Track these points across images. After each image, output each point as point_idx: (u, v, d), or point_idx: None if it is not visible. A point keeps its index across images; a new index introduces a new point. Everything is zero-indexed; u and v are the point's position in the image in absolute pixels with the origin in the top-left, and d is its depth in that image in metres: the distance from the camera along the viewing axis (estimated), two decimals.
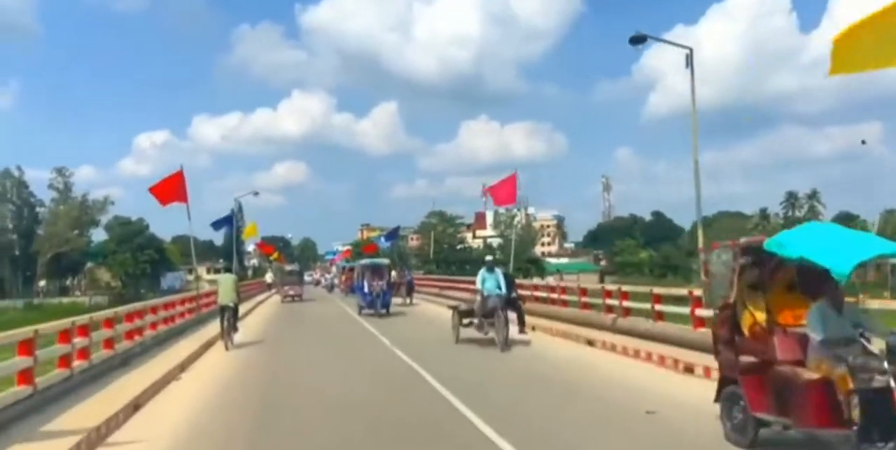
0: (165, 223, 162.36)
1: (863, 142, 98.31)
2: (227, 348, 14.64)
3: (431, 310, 25.42)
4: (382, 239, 50.46)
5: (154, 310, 14.43)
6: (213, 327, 16.45)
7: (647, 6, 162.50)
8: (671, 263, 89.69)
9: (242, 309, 25.40)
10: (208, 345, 14.82)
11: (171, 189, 17.16)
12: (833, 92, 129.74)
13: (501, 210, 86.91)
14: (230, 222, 34.42)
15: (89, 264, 79.71)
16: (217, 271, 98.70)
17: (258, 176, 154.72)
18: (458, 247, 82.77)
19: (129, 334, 12.69)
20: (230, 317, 14.70)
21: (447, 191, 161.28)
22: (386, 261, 27.38)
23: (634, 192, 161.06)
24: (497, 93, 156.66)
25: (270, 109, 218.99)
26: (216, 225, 33.38)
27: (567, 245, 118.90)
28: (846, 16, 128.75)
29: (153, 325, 14.13)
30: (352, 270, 34.81)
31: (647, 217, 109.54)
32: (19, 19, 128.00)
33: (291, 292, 34.53)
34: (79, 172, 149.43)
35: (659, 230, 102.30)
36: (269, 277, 49.13)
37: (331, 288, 47.14)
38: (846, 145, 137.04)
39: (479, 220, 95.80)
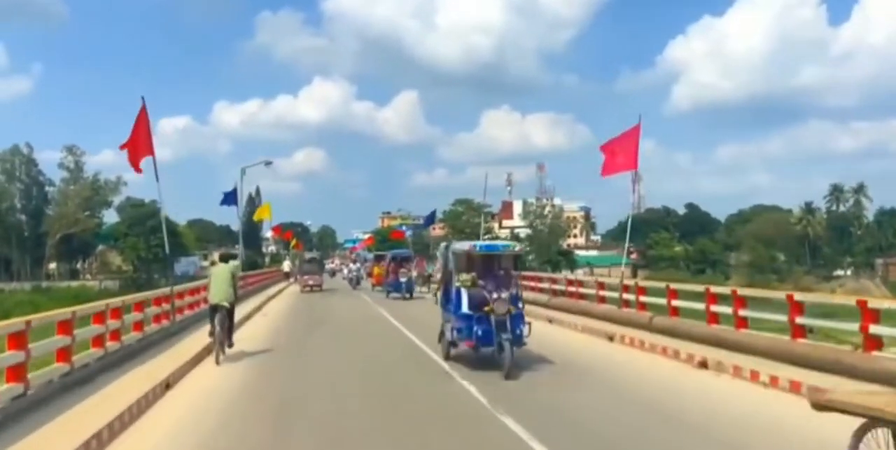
0: (180, 207, 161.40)
1: None
2: (217, 362, 11.13)
3: None
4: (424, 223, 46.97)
5: (116, 313, 10.71)
6: (201, 336, 12.67)
7: None
8: (708, 257, 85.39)
9: (251, 305, 22.25)
10: (195, 361, 11.20)
11: (138, 143, 13.25)
12: (862, 86, 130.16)
13: (531, 200, 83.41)
14: (234, 197, 31.25)
15: (100, 247, 77.02)
16: (230, 259, 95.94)
17: (278, 162, 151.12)
18: (486, 237, 78.85)
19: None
20: (224, 320, 11.11)
21: (468, 180, 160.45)
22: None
23: (658, 184, 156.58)
24: (519, 82, 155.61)
25: (291, 96, 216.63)
26: (226, 200, 29.67)
27: (594, 237, 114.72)
28: (877, 8, 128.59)
29: (114, 335, 10.45)
30: (382, 258, 33.24)
31: (680, 209, 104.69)
32: (46, 3, 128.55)
33: (311, 282, 32.74)
34: (100, 156, 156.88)
35: (693, 223, 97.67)
36: (286, 266, 45.76)
37: (356, 281, 38.02)
38: (873, 140, 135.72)
39: (506, 209, 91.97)
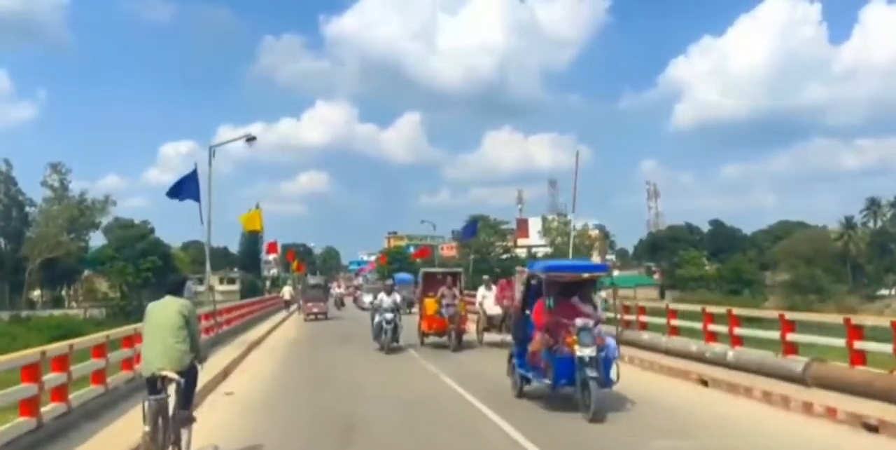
0: (175, 228, 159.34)
1: None
2: None
3: None
4: (462, 234, 39.98)
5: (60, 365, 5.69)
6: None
7: (674, 17, 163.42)
8: (742, 277, 79.61)
9: (227, 354, 15.29)
10: None
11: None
12: (864, 104, 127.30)
13: (551, 216, 77.78)
14: (192, 187, 16.16)
15: (86, 272, 70.88)
16: (231, 281, 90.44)
17: (282, 185, 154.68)
18: (504, 256, 73.18)
19: None
20: (164, 408, 5.91)
21: (472, 201, 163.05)
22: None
23: (665, 203, 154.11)
24: (521, 103, 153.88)
25: (294, 119, 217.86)
26: (178, 189, 16.15)
27: (609, 257, 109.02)
28: (877, 27, 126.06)
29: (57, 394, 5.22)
30: (434, 280, 20.73)
31: (703, 226, 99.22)
32: (49, 28, 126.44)
33: (315, 309, 30.14)
34: (104, 181, 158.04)
35: (719, 241, 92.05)
36: (286, 292, 38.18)
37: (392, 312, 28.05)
38: (877, 158, 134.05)
39: (521, 227, 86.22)
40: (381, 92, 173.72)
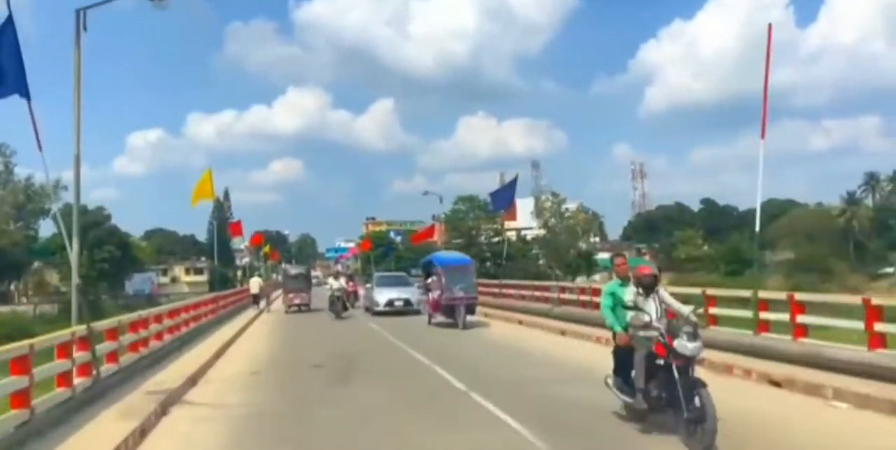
0: (137, 216, 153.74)
1: None
2: None
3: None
4: (495, 202, 27.18)
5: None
6: None
7: (645, 1, 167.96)
8: (742, 256, 75.77)
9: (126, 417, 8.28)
10: None
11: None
12: (830, 86, 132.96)
13: (545, 196, 72.79)
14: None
15: (36, 264, 64.03)
16: (198, 272, 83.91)
17: (254, 174, 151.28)
18: (495, 240, 68.11)
19: None
20: None
21: (447, 187, 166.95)
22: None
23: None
24: (494, 88, 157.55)
25: (265, 107, 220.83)
26: None
27: (592, 239, 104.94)
28: (843, 10, 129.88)
29: None
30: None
31: (693, 206, 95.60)
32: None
33: (297, 301, 28.33)
34: (70, 171, 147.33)
35: (712, 221, 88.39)
36: (255, 284, 30.99)
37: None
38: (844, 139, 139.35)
39: (508, 209, 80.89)
40: (353, 78, 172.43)
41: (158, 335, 12.94)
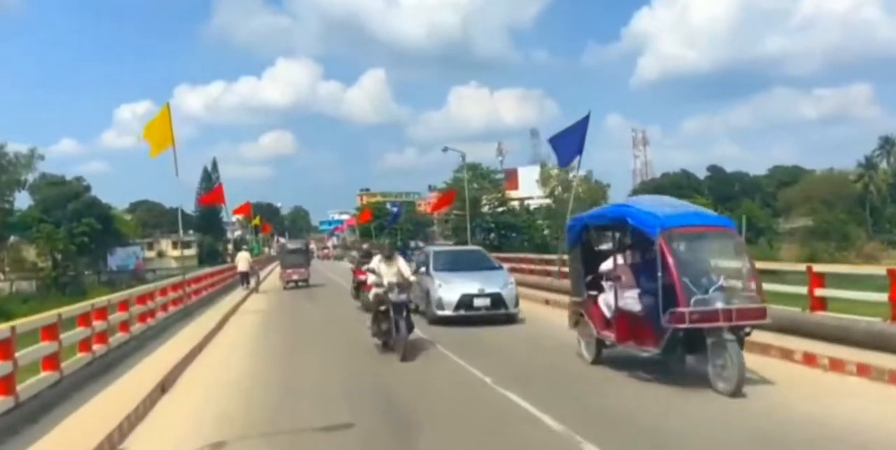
0: (120, 188, 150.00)
1: None
2: None
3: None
4: (561, 154, 17.09)
5: None
6: None
7: None
8: (754, 224, 72.82)
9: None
10: None
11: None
12: (821, 54, 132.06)
13: (550, 164, 69.07)
14: None
15: (12, 238, 59.96)
16: (186, 246, 79.77)
17: (244, 146, 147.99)
18: (500, 210, 64.72)
19: None
20: None
21: (439, 158, 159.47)
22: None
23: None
24: (486, 58, 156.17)
25: (255, 78, 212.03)
26: None
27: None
28: None
29: None
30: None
31: (700, 173, 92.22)
32: None
33: (295, 277, 26.54)
34: (59, 145, 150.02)
35: (720, 188, 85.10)
36: (242, 259, 25.25)
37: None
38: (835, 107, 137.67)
39: (510, 178, 77.43)
40: (344, 49, 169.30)
41: (49, 364, 6.83)
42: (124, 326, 9.80)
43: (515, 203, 71.41)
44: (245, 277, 24.57)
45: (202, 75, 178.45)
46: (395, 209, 69.59)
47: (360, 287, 15.49)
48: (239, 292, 23.29)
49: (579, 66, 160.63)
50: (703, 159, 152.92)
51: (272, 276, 35.40)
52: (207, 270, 23.76)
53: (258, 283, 25.24)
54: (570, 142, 15.48)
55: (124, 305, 10.03)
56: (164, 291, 13.63)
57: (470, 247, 21.14)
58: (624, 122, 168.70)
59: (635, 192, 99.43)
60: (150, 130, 14.50)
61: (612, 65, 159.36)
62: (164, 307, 13.33)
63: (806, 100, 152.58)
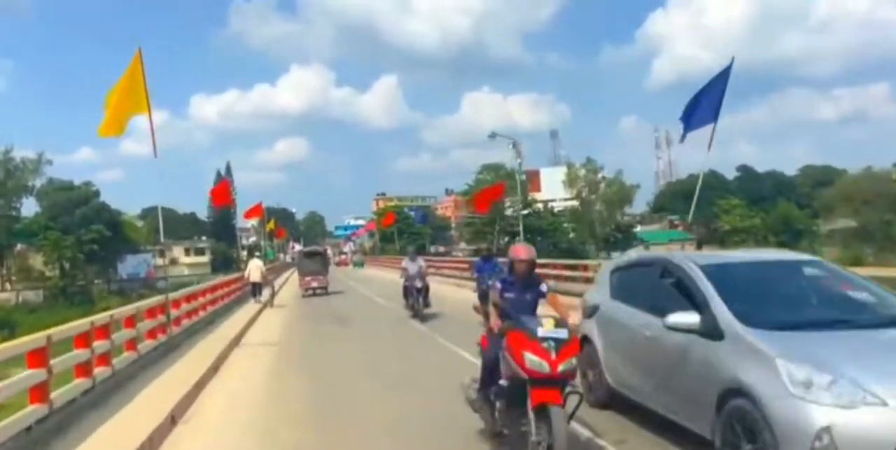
0: (133, 194, 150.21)
1: None
2: None
3: None
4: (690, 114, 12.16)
5: None
6: None
7: None
8: (793, 226, 69.55)
9: None
10: None
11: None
12: (840, 55, 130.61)
13: (577, 164, 66.12)
14: None
15: (19, 246, 57.76)
16: (199, 253, 77.36)
17: (260, 153, 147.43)
18: (526, 212, 61.77)
19: None
20: None
21: (452, 163, 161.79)
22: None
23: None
24: (499, 63, 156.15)
25: (269, 86, 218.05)
26: None
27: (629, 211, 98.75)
28: None
29: None
30: None
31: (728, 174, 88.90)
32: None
33: (315, 284, 26.20)
34: (78, 153, 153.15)
35: (750, 189, 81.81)
36: (255, 269, 21.97)
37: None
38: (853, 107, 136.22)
39: (532, 180, 74.51)
40: (357, 55, 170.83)
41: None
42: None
43: (539, 205, 68.51)
44: (257, 288, 21.56)
45: (218, 84, 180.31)
46: (412, 212, 66.98)
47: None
48: (249, 308, 20.00)
49: (593, 68, 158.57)
50: (722, 160, 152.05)
51: (289, 284, 32.98)
52: (207, 284, 18.99)
53: (272, 295, 21.98)
54: (707, 105, 11.67)
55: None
56: (130, 321, 8.92)
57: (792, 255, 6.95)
58: (638, 124, 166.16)
59: (661, 193, 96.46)
60: (114, 95, 10.28)
61: (627, 67, 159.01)
62: (132, 344, 8.83)
63: (825, 100, 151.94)
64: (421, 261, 15.86)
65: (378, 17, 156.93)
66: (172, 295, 12.17)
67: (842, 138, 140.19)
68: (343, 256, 68.77)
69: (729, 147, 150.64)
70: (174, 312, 11.71)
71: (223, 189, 32.85)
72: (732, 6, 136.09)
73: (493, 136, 36.49)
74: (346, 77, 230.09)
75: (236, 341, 13.01)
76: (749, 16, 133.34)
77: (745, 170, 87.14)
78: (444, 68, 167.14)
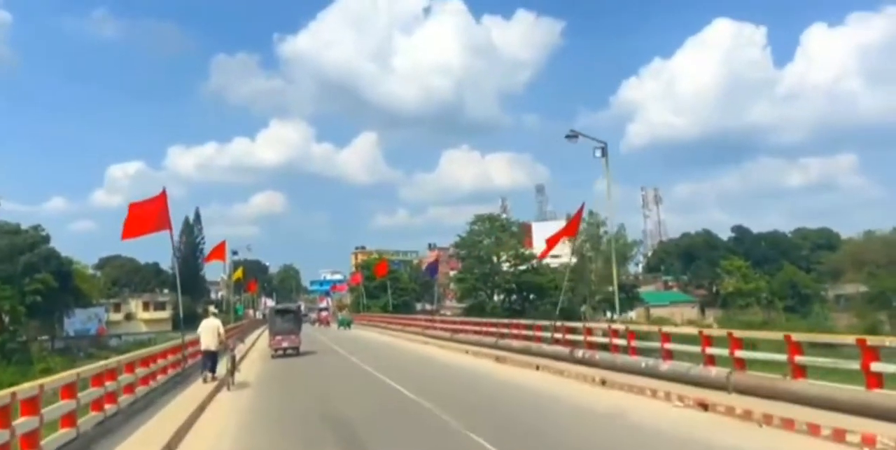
0: (90, 243, 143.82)
1: None
2: None
3: None
4: None
5: None
6: None
7: (624, 39, 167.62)
8: (799, 290, 65.96)
9: None
10: None
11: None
12: (807, 124, 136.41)
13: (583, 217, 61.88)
14: None
15: None
16: (160, 307, 70.46)
17: (236, 207, 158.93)
18: (524, 268, 57.25)
19: None
20: None
21: (429, 220, 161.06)
22: None
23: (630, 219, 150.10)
24: (477, 123, 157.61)
25: (248, 139, 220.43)
26: None
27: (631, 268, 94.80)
28: (818, 50, 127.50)
29: None
30: None
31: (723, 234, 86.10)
32: None
33: (286, 343, 24.44)
34: (50, 203, 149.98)
35: (746, 250, 78.67)
36: (207, 331, 15.26)
37: None
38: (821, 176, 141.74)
39: (526, 234, 70.17)
40: (337, 112, 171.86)
41: None
42: None
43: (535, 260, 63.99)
44: (210, 359, 15.13)
45: (196, 136, 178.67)
46: (396, 267, 61.78)
47: None
48: (193, 392, 13.21)
49: (569, 131, 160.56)
50: (695, 224, 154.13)
51: (258, 347, 28.15)
52: (162, 348, 14.54)
53: (234, 367, 15.40)
54: None
55: None
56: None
57: None
58: (615, 185, 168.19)
59: (654, 252, 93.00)
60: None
61: (602, 130, 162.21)
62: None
63: (793, 168, 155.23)
64: None
65: (359, 76, 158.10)
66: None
67: (813, 204, 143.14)
68: (324, 314, 61.80)
69: (703, 210, 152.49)
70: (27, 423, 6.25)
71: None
72: (702, 76, 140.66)
73: (573, 135, 32.87)
74: (326, 133, 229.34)
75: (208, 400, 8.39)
76: (717, 85, 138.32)
77: (739, 230, 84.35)
78: (424, 126, 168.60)
